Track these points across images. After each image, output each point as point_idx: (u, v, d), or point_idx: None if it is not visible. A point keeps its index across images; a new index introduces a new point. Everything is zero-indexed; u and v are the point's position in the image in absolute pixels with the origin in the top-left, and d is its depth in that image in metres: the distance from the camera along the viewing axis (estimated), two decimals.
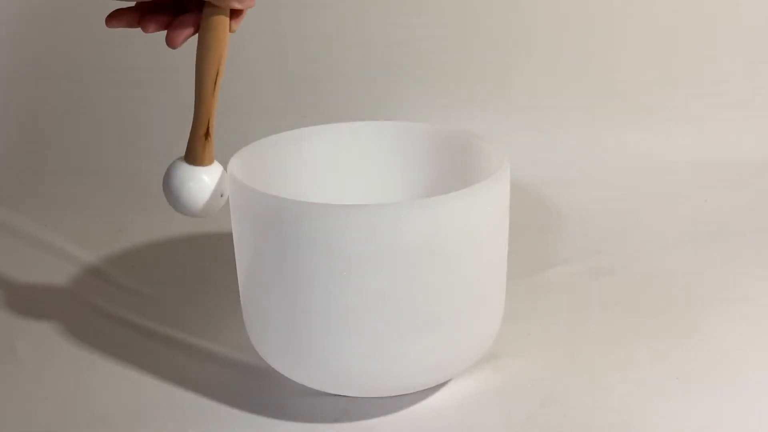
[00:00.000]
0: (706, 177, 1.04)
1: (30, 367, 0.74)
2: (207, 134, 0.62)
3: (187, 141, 0.63)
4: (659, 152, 1.07)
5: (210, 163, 0.63)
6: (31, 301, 0.84)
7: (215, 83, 0.61)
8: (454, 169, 0.74)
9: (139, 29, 0.63)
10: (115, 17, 0.62)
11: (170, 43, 0.62)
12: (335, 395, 0.67)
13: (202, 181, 0.62)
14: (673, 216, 0.97)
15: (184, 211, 0.64)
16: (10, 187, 1.10)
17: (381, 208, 0.58)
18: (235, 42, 1.12)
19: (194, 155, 0.63)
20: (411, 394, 0.67)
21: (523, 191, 1.01)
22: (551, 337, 0.74)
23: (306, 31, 1.11)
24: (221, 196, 0.63)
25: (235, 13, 0.61)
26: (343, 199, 0.76)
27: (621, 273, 0.85)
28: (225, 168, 0.64)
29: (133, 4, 0.62)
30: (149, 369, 0.72)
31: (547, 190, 1.03)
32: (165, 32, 0.62)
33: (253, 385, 0.69)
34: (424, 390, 0.67)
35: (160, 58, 1.14)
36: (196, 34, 0.61)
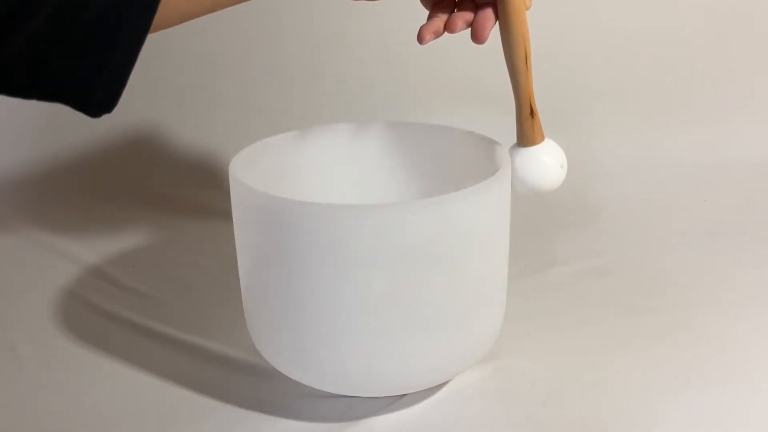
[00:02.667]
0: (706, 177, 1.04)
1: (30, 367, 0.74)
2: (532, 113, 0.64)
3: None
4: (659, 153, 1.07)
5: (542, 140, 0.65)
6: (31, 301, 0.84)
7: (526, 63, 0.64)
8: (454, 169, 0.74)
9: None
10: (426, 32, 0.65)
11: (478, 38, 0.65)
12: (336, 395, 0.67)
13: (541, 160, 0.65)
14: (673, 216, 0.97)
15: (534, 192, 0.66)
16: (10, 187, 1.10)
17: (382, 208, 0.58)
18: (236, 42, 1.12)
19: (526, 137, 0.65)
20: (411, 394, 0.67)
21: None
22: (551, 337, 0.74)
23: (306, 31, 1.11)
24: (561, 167, 0.66)
25: None
26: (344, 199, 0.76)
27: (621, 273, 0.85)
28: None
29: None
30: (150, 369, 0.72)
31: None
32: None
33: (254, 385, 0.69)
34: (424, 390, 0.67)
35: (160, 57, 1.14)
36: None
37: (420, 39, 0.65)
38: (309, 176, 0.75)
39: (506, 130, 1.07)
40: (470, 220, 0.60)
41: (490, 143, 0.69)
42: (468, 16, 0.65)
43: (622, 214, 0.98)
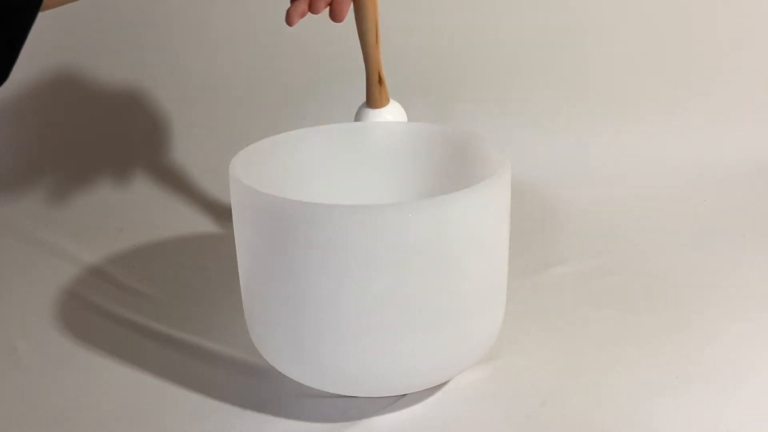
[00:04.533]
0: (706, 177, 1.04)
1: (30, 367, 0.74)
2: (380, 80, 0.77)
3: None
4: (659, 153, 1.07)
5: (387, 103, 0.78)
6: (31, 301, 0.84)
7: (376, 39, 0.76)
8: (454, 169, 0.74)
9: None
10: (294, 14, 0.73)
11: (336, 17, 0.73)
12: (336, 395, 0.67)
13: (385, 119, 0.77)
14: (673, 216, 0.97)
15: None
16: (10, 187, 1.10)
17: (382, 209, 0.58)
18: (236, 42, 1.12)
19: (373, 99, 0.77)
20: (411, 394, 0.67)
21: (523, 191, 1.01)
22: (551, 337, 0.74)
23: (306, 31, 1.11)
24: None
25: None
26: (344, 199, 0.76)
27: (621, 273, 0.85)
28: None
29: None
30: (149, 369, 0.72)
31: (547, 190, 1.03)
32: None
33: (254, 385, 0.69)
34: (424, 390, 0.67)
35: (160, 57, 1.14)
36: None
37: (288, 21, 0.73)
38: (309, 176, 0.75)
39: (506, 130, 1.08)
40: (470, 221, 0.60)
41: (490, 144, 0.69)
42: None
43: (621, 214, 0.98)
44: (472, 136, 0.72)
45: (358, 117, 0.78)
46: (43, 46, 1.15)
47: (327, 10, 0.75)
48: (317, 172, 0.76)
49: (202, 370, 0.72)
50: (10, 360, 0.75)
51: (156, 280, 0.87)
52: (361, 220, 0.57)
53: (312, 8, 0.73)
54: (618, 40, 1.09)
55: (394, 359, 0.61)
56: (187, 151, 1.12)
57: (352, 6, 0.75)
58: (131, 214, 1.03)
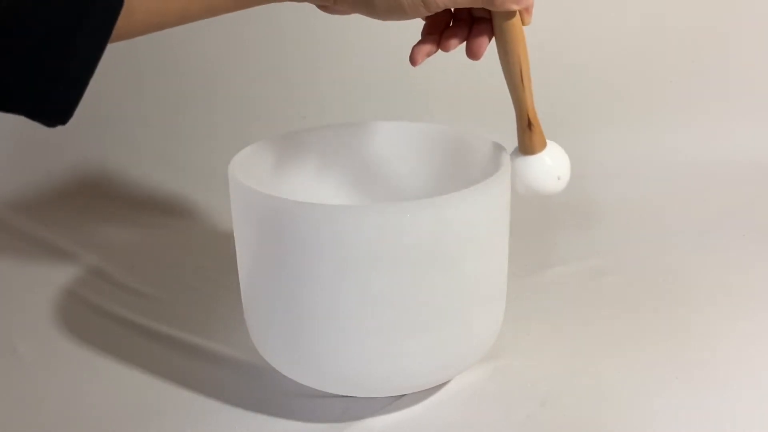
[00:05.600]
0: (706, 177, 1.04)
1: (30, 367, 0.74)
2: (530, 125, 0.66)
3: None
4: (659, 153, 1.07)
5: (541, 149, 0.66)
6: (31, 301, 0.84)
7: (522, 79, 0.65)
8: (454, 169, 0.74)
9: None
10: (418, 53, 0.65)
11: (474, 55, 0.65)
12: (336, 395, 0.67)
13: (537, 168, 0.66)
14: (673, 216, 0.97)
15: (531, 195, 0.67)
16: (10, 187, 1.10)
17: (381, 209, 0.58)
18: (236, 42, 1.12)
19: (524, 146, 0.66)
20: (411, 394, 0.67)
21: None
22: (551, 337, 0.74)
23: (307, 31, 1.11)
24: (558, 179, 0.67)
25: (524, 9, 0.63)
26: (344, 199, 0.76)
27: (620, 273, 0.85)
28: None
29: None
30: (149, 369, 0.72)
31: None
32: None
33: (253, 385, 0.69)
34: (424, 390, 0.67)
35: (161, 58, 1.14)
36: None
37: (412, 61, 0.65)
38: (308, 176, 0.75)
39: (506, 130, 1.08)
40: (469, 221, 0.60)
41: (490, 143, 0.69)
42: (463, 33, 0.65)
43: (621, 214, 0.98)
44: (472, 136, 0.72)
45: (512, 162, 0.67)
46: None
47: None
48: (317, 172, 0.76)
49: (202, 370, 0.72)
50: (10, 360, 0.75)
51: (156, 280, 0.87)
52: (360, 220, 0.57)
53: (443, 46, 0.65)
54: (618, 39, 1.09)
55: (394, 359, 0.61)
56: (187, 150, 1.12)
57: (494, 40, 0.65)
58: (132, 214, 1.03)
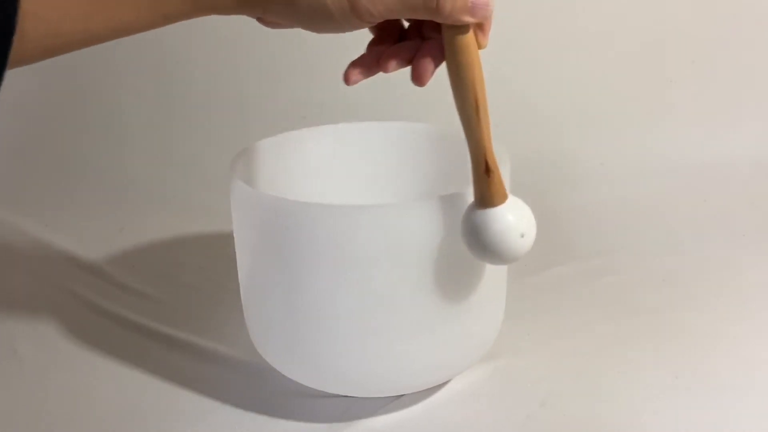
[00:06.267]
0: (706, 177, 1.04)
1: (30, 367, 0.74)
2: (488, 170, 0.54)
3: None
4: (659, 153, 1.07)
5: (501, 200, 0.55)
6: (31, 301, 0.84)
7: (477, 112, 0.54)
8: (454, 169, 0.74)
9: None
10: (353, 72, 0.57)
11: (418, 81, 0.56)
12: (336, 395, 0.67)
13: (496, 226, 0.54)
14: (673, 216, 0.97)
15: (490, 260, 0.56)
16: (10, 187, 1.10)
17: (381, 209, 0.58)
18: (236, 42, 1.12)
19: (480, 196, 0.55)
20: (411, 394, 0.67)
21: (523, 191, 1.00)
22: (551, 337, 0.74)
23: (306, 31, 1.11)
24: (521, 237, 0.55)
25: (479, 28, 0.54)
26: (344, 199, 0.76)
27: (621, 273, 0.85)
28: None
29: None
30: (149, 369, 0.72)
31: (547, 190, 1.03)
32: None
33: (253, 385, 0.69)
34: (424, 390, 0.67)
35: (160, 57, 1.14)
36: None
37: (345, 80, 0.57)
38: (308, 176, 0.75)
39: (506, 130, 1.08)
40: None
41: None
42: (407, 53, 0.56)
43: (621, 214, 0.98)
44: None
45: (466, 221, 0.56)
46: None
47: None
48: (317, 173, 0.76)
49: (202, 370, 0.72)
50: (10, 360, 0.75)
51: (156, 280, 0.87)
52: (359, 220, 0.57)
53: (381, 67, 0.56)
54: (618, 39, 1.09)
55: (393, 359, 0.61)
56: (187, 151, 1.12)
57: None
58: (131, 214, 1.03)
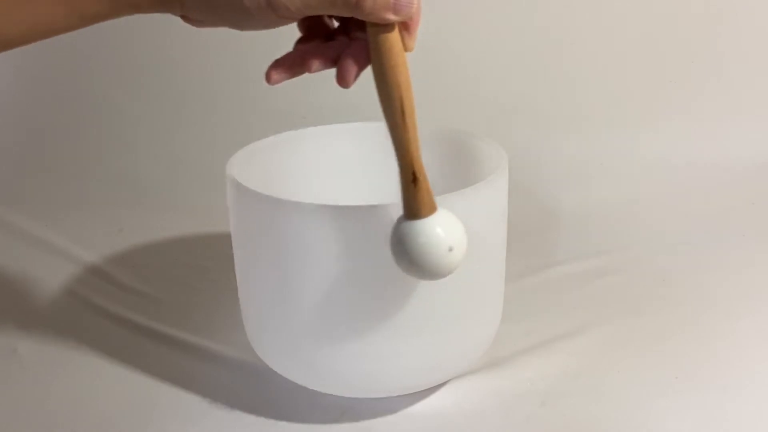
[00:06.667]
0: (706, 177, 1.04)
1: (30, 367, 0.74)
2: (415, 179, 0.51)
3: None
4: (659, 153, 1.07)
5: (429, 213, 0.52)
6: (31, 301, 0.84)
7: (404, 117, 0.52)
8: (453, 169, 0.74)
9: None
10: (274, 71, 0.56)
11: (342, 83, 0.54)
12: (334, 395, 0.67)
13: (422, 239, 0.52)
14: (673, 216, 0.97)
15: (417, 275, 0.53)
16: (10, 187, 1.10)
17: (380, 209, 0.58)
18: (236, 42, 1.12)
19: (407, 207, 0.52)
20: (410, 394, 0.67)
21: (523, 191, 1.01)
22: (551, 337, 0.74)
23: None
24: (450, 250, 0.52)
25: (405, 25, 0.52)
26: (343, 199, 0.76)
27: (621, 273, 0.85)
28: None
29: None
30: (149, 369, 0.72)
31: (547, 190, 1.03)
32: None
33: (252, 385, 0.69)
34: (423, 390, 0.67)
35: (160, 57, 1.14)
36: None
37: (267, 79, 0.55)
38: (307, 176, 0.75)
39: (506, 130, 1.08)
40: (466, 221, 0.59)
41: (489, 143, 0.69)
42: (331, 53, 0.55)
43: (622, 214, 0.98)
44: (472, 136, 0.72)
45: (393, 233, 0.53)
46: (44, 47, 1.15)
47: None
48: (316, 173, 0.76)
49: (202, 371, 0.72)
50: (10, 360, 0.75)
51: (156, 280, 0.87)
52: (358, 221, 0.57)
53: (305, 66, 0.55)
54: (618, 39, 1.09)
55: (392, 360, 0.61)
56: (187, 151, 1.12)
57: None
58: (131, 214, 1.03)
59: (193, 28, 0.56)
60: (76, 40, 1.15)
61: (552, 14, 1.09)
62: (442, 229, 0.52)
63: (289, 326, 0.61)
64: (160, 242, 0.96)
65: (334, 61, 0.54)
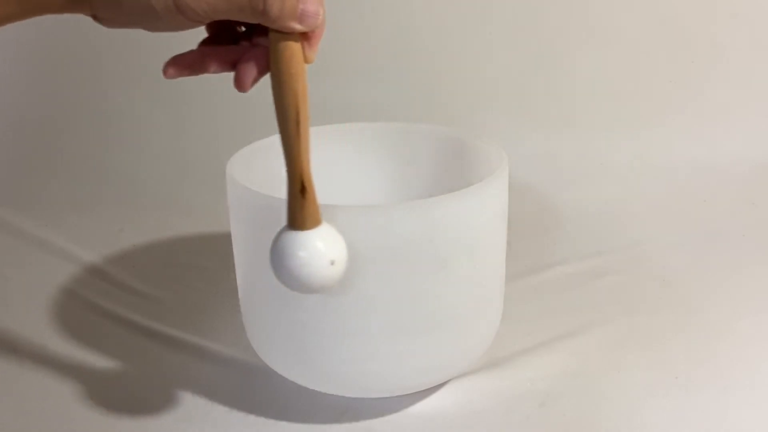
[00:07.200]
0: (706, 177, 1.04)
1: (30, 367, 0.74)
2: (303, 190, 0.51)
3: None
4: (659, 153, 1.07)
5: (314, 225, 0.51)
6: (31, 301, 0.84)
7: (298, 127, 0.52)
8: (453, 169, 0.74)
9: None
10: (170, 67, 0.55)
11: (238, 86, 0.54)
12: (334, 395, 0.67)
13: (306, 250, 0.51)
14: (673, 216, 0.97)
15: (290, 287, 0.52)
16: (10, 187, 1.10)
17: (379, 209, 0.58)
18: None
19: (293, 218, 0.51)
20: (411, 394, 0.67)
21: (523, 191, 1.01)
22: (551, 337, 0.74)
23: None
24: (331, 264, 0.51)
25: (307, 37, 0.52)
26: (342, 199, 0.76)
27: (621, 273, 0.85)
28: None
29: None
30: (149, 369, 0.72)
31: (547, 190, 1.03)
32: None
33: (253, 385, 0.69)
34: (423, 390, 0.67)
35: (160, 57, 1.14)
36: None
37: (163, 72, 0.55)
38: None
39: (506, 130, 1.08)
40: (466, 221, 0.59)
41: (489, 144, 0.69)
42: (232, 56, 0.55)
43: (621, 214, 0.98)
44: (472, 136, 0.72)
45: (274, 241, 0.52)
46: (44, 47, 1.15)
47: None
48: (316, 173, 0.76)
49: (201, 371, 0.72)
50: (10, 360, 0.75)
51: (156, 280, 0.87)
52: (358, 221, 0.57)
53: (201, 66, 0.55)
54: (618, 40, 1.09)
55: (393, 360, 0.61)
56: (187, 151, 1.12)
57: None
58: (131, 214, 1.03)
59: (194, 29, 0.55)
60: (76, 39, 1.15)
61: (552, 14, 1.09)
62: (325, 243, 0.51)
63: (289, 326, 0.61)
64: (160, 242, 0.96)
65: (233, 65, 0.55)
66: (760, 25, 1.08)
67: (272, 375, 0.68)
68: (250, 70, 0.54)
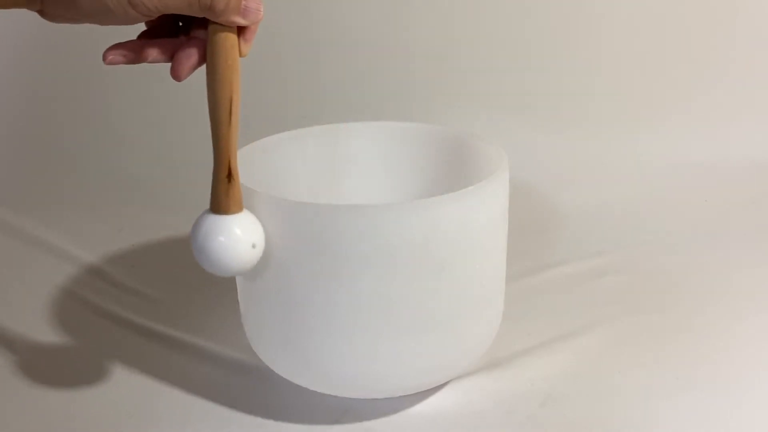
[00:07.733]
0: (706, 177, 1.04)
1: (30, 367, 0.74)
2: (230, 176, 0.54)
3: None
4: (659, 153, 1.07)
5: (238, 210, 0.55)
6: (31, 301, 0.84)
7: (230, 115, 0.55)
8: (453, 169, 0.74)
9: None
10: (112, 52, 0.56)
11: (174, 74, 0.57)
12: (334, 396, 0.67)
13: (229, 233, 0.54)
14: (673, 216, 0.97)
15: (212, 269, 0.56)
16: (10, 187, 1.10)
17: (379, 209, 0.58)
18: None
19: (218, 202, 0.55)
20: (411, 394, 0.66)
21: (523, 191, 1.01)
22: (551, 337, 0.74)
23: (306, 30, 1.11)
24: (253, 247, 0.55)
25: (243, 33, 0.56)
26: (342, 199, 0.76)
27: (621, 273, 0.85)
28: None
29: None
30: (149, 369, 0.72)
31: (547, 190, 1.03)
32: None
33: (252, 386, 0.69)
34: (424, 390, 0.67)
35: None
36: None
37: (103, 58, 0.56)
38: (307, 176, 0.75)
39: (506, 130, 1.08)
40: (466, 221, 0.59)
41: (489, 144, 0.69)
42: (171, 47, 0.57)
43: (621, 214, 0.98)
44: (472, 136, 0.72)
45: (197, 225, 0.56)
46: (44, 47, 1.15)
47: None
48: (316, 172, 0.76)
49: (201, 371, 0.72)
50: (9, 360, 0.75)
51: (156, 280, 0.87)
52: (357, 221, 0.57)
53: (141, 54, 0.56)
54: (618, 40, 1.09)
55: (393, 361, 0.61)
56: (187, 151, 1.12)
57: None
58: (131, 214, 1.03)
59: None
60: (76, 39, 1.15)
61: (552, 14, 1.09)
62: (248, 226, 0.55)
63: (289, 326, 0.61)
64: (160, 242, 0.96)
65: (171, 55, 0.57)
66: (761, 25, 1.08)
67: (272, 375, 0.68)
68: (187, 60, 0.56)
